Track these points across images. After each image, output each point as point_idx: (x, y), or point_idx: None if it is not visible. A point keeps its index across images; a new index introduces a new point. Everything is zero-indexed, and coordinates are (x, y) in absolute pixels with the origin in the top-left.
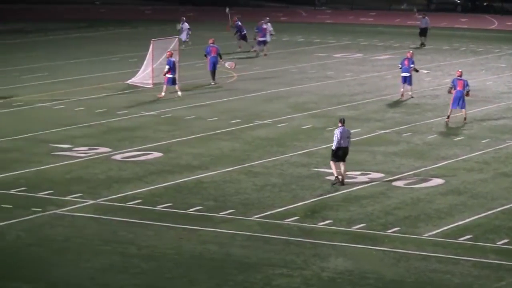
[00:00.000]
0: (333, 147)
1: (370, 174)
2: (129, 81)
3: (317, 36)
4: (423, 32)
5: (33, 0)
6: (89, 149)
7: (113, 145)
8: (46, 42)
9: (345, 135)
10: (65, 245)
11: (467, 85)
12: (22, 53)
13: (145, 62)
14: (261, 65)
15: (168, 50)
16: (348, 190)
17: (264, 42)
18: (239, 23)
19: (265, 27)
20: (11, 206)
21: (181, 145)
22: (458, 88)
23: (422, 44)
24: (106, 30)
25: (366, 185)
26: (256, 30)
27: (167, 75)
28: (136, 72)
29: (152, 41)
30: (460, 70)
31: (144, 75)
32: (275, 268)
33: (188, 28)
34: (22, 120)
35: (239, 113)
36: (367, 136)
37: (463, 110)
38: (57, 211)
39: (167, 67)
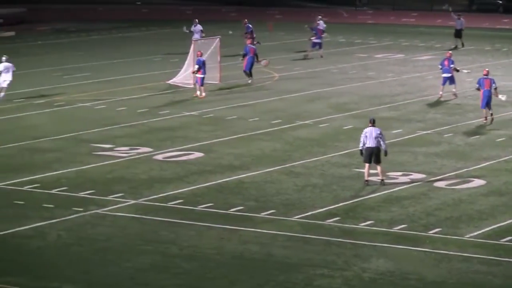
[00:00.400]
0: (359, 148)
1: (411, 174)
2: (170, 81)
3: (358, 37)
4: (458, 33)
5: (76, 0)
6: (131, 149)
7: (155, 145)
8: (88, 42)
9: (371, 135)
10: (106, 245)
11: (494, 82)
12: (65, 53)
13: (186, 62)
14: (302, 65)
15: (210, 50)
16: (389, 191)
17: (320, 45)
18: (250, 26)
19: (320, 28)
20: (52, 206)
21: (222, 145)
22: (485, 88)
23: (456, 47)
24: (148, 30)
25: (407, 185)
26: (314, 31)
27: (198, 75)
28: (177, 72)
29: (193, 41)
30: (487, 69)
31: (185, 75)
32: (316, 269)
33: (201, 30)
34: (64, 120)
35: (280, 113)
36: (408, 136)
37: (489, 110)
38: (98, 211)
39: (196, 66)
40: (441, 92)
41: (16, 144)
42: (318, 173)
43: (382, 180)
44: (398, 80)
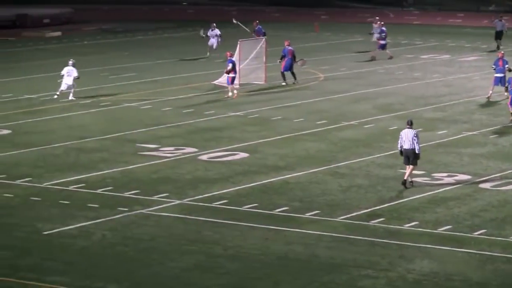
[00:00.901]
0: (398, 149)
1: (456, 176)
2: (215, 82)
3: (404, 37)
4: (499, 35)
5: (122, 0)
6: (176, 149)
7: (200, 145)
8: (134, 43)
9: (407, 137)
10: (150, 244)
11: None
12: (111, 53)
13: None
14: (347, 66)
15: (255, 50)
16: (434, 192)
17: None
18: (260, 28)
19: (384, 28)
20: (97, 206)
21: (267, 146)
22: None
23: (498, 47)
24: (194, 30)
25: (452, 186)
26: (384, 34)
27: (230, 75)
28: (223, 72)
29: (239, 42)
30: None
31: None
32: (360, 269)
33: (218, 35)
34: (109, 120)
35: (325, 114)
36: (454, 137)
37: None
38: (143, 211)
39: (230, 65)
40: (490, 92)
41: (62, 144)
42: (363, 174)
43: (405, 180)
44: (444, 81)
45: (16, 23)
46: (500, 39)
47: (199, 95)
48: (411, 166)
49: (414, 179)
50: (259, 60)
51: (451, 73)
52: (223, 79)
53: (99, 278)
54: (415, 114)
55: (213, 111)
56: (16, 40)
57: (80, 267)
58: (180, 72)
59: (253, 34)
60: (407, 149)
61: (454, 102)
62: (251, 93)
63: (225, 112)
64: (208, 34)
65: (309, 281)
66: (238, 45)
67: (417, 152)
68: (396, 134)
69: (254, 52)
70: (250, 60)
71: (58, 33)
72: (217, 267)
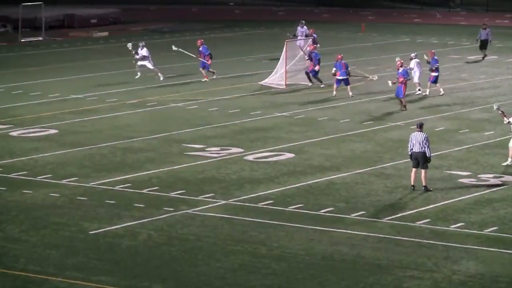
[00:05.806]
0: (408, 152)
1: (503, 177)
2: (262, 82)
3: (451, 38)
4: (484, 44)
5: (169, 1)
6: (222, 150)
7: (246, 145)
8: (181, 43)
9: (417, 140)
10: (196, 244)
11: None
12: (158, 53)
13: (278, 63)
14: (394, 66)
15: (303, 50)
16: (480, 193)
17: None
18: (206, 47)
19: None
20: (143, 206)
21: (313, 146)
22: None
23: (483, 58)
24: (241, 31)
25: (499, 188)
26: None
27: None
28: (270, 73)
29: (286, 42)
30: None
31: (278, 76)
32: (406, 271)
33: (145, 56)
34: (156, 120)
35: (371, 115)
36: (501, 139)
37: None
38: (189, 211)
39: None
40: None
41: (109, 143)
42: (409, 175)
43: (425, 187)
44: (491, 82)
45: (64, 23)
46: (485, 49)
47: (245, 95)
48: (422, 171)
49: (460, 180)
50: (306, 61)
51: (498, 74)
52: (270, 80)
53: (145, 277)
54: (462, 115)
55: (259, 112)
56: (64, 40)
57: (126, 266)
58: (226, 73)
59: (198, 55)
60: (417, 152)
61: (501, 103)
62: (298, 93)
63: (271, 112)
64: (130, 48)
65: (354, 282)
66: (285, 46)
67: (428, 155)
68: (443, 135)
69: (301, 53)
70: (296, 61)
71: (105, 33)
72: (262, 267)
